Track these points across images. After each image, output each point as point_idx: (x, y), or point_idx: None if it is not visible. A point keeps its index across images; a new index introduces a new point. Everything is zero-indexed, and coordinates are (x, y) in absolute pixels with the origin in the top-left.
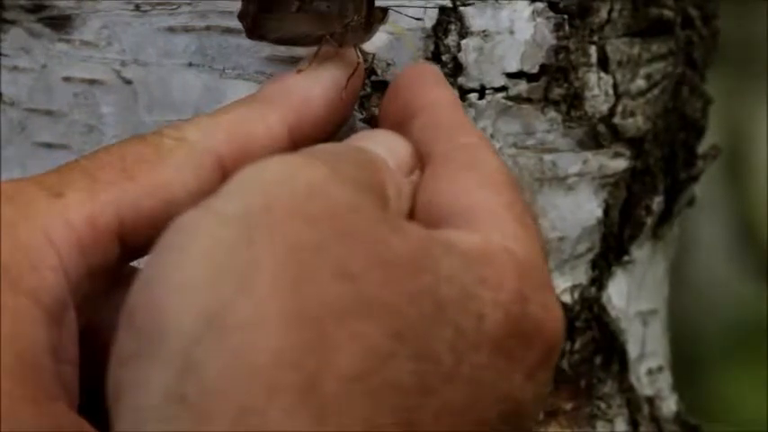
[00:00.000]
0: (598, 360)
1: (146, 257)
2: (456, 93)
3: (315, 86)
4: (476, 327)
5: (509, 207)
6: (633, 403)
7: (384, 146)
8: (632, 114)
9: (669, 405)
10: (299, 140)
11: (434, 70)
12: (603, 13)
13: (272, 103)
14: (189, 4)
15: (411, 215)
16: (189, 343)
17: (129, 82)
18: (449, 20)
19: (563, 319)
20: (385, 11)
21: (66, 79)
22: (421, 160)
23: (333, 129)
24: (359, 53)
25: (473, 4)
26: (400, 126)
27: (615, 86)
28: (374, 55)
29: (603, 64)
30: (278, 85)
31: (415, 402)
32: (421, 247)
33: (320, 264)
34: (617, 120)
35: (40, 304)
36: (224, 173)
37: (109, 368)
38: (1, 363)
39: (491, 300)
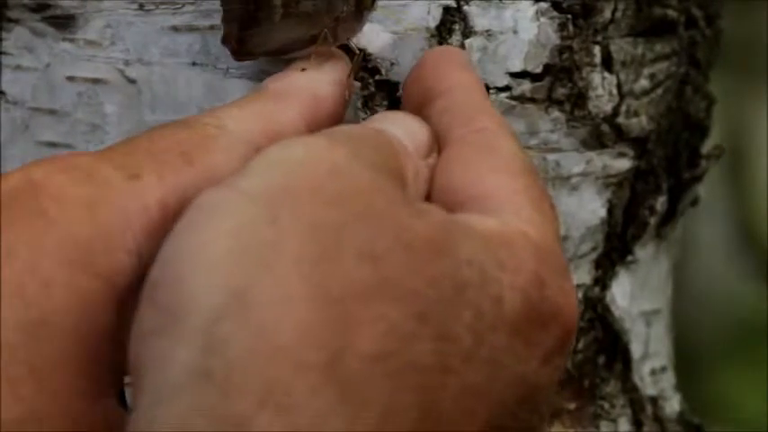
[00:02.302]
0: (601, 360)
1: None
2: (478, 76)
3: (322, 84)
4: (494, 309)
5: (525, 192)
6: (636, 403)
7: (402, 128)
8: (636, 114)
9: (672, 405)
10: None
11: (460, 52)
12: (607, 13)
13: (288, 99)
14: (192, 3)
15: (427, 198)
16: (213, 319)
17: (132, 81)
18: (453, 19)
19: (578, 304)
20: None
21: (70, 78)
22: (438, 143)
23: (337, 125)
24: (355, 47)
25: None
26: (421, 107)
27: (619, 86)
28: (364, 51)
29: (607, 64)
30: (287, 82)
31: (435, 383)
32: (442, 230)
33: (343, 244)
34: (621, 120)
35: (114, 288)
36: None
37: (130, 343)
38: (63, 353)
39: (509, 283)
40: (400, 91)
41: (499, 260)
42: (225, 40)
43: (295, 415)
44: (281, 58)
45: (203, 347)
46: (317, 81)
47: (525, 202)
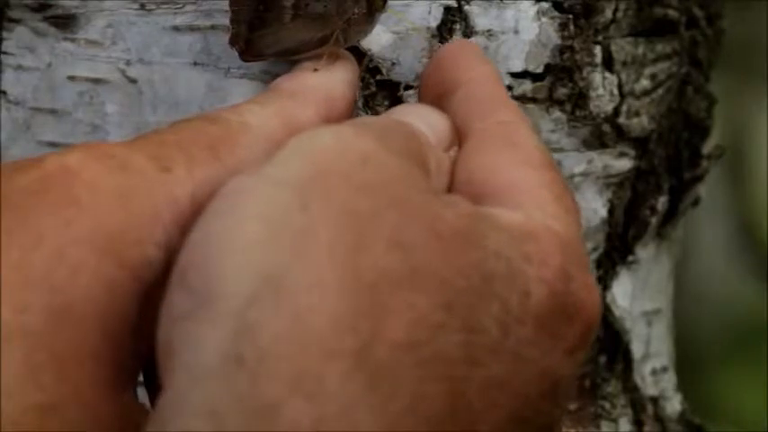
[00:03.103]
0: (602, 360)
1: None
2: (497, 69)
3: (335, 85)
4: (521, 302)
5: (549, 186)
6: (637, 403)
7: (424, 120)
8: (637, 114)
9: (673, 405)
10: None
11: (475, 46)
12: (608, 13)
13: (304, 98)
14: (194, 3)
15: (449, 190)
16: (245, 304)
17: (133, 81)
18: (453, 19)
19: (600, 297)
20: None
21: (71, 78)
22: (459, 136)
23: None
24: (362, 48)
25: None
26: (440, 99)
27: (620, 86)
28: (371, 53)
29: (608, 64)
30: (301, 82)
31: (461, 373)
32: (471, 221)
33: (375, 232)
34: (622, 119)
35: (141, 280)
36: None
37: (159, 326)
38: (86, 342)
39: (536, 276)
40: (401, 91)
41: (526, 253)
42: (233, 41)
43: (325, 402)
44: (290, 59)
45: (235, 332)
46: (331, 81)
47: (549, 196)
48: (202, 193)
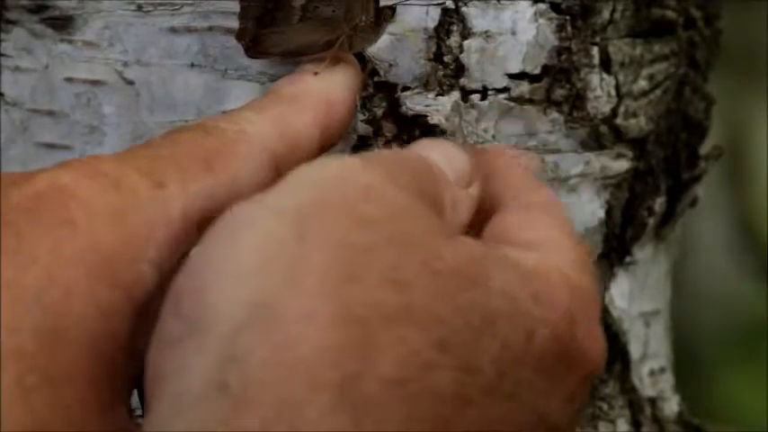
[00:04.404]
0: None
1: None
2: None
3: (335, 89)
4: (523, 343)
5: (573, 246)
6: (635, 404)
7: (443, 156)
8: (634, 115)
9: (671, 406)
10: (325, 142)
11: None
12: (606, 14)
13: (303, 103)
14: (191, 4)
15: (471, 228)
16: (234, 331)
17: (131, 83)
18: (451, 21)
19: (606, 350)
20: (393, 9)
21: (69, 80)
22: (493, 203)
23: (346, 131)
24: (367, 54)
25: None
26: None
27: (617, 87)
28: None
29: (606, 65)
30: (301, 86)
31: (452, 412)
32: (474, 260)
33: (370, 266)
34: (619, 121)
35: (132, 299)
36: (277, 168)
37: (149, 352)
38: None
39: (542, 318)
40: (398, 92)
41: (534, 293)
42: (239, 37)
43: None
44: (294, 60)
45: (222, 359)
46: (331, 85)
47: (570, 247)
48: (196, 207)
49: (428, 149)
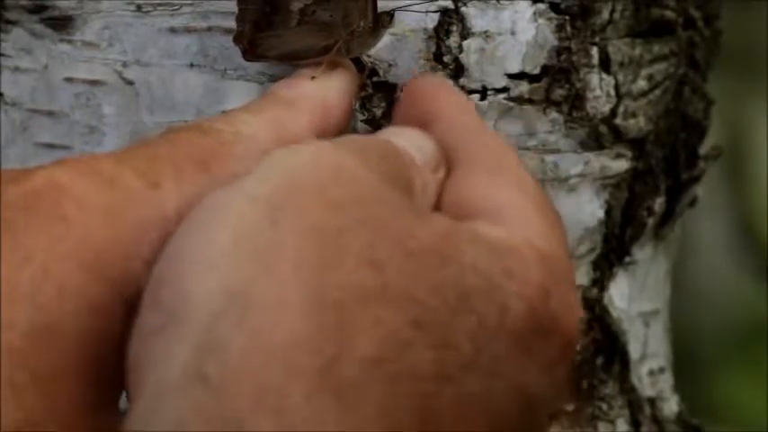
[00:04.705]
0: (599, 361)
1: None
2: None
3: (332, 94)
4: (498, 318)
5: (536, 208)
6: (635, 404)
7: (411, 142)
8: (634, 115)
9: (671, 406)
10: None
11: (445, 80)
12: (605, 14)
13: (299, 106)
14: (190, 4)
15: (436, 211)
16: (211, 320)
17: (130, 83)
18: (450, 21)
19: (581, 317)
20: (391, 14)
21: (68, 80)
22: (445, 161)
23: (342, 135)
24: (365, 59)
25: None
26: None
27: (617, 87)
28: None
29: (605, 65)
30: (298, 90)
31: (432, 390)
32: (446, 237)
33: (344, 249)
34: (618, 121)
35: (126, 297)
36: None
37: (130, 342)
38: (67, 361)
39: (515, 292)
40: (399, 92)
41: (506, 268)
42: (237, 40)
43: (289, 418)
44: (292, 64)
45: (200, 348)
46: (328, 90)
47: (535, 215)
48: (189, 207)
49: (397, 135)
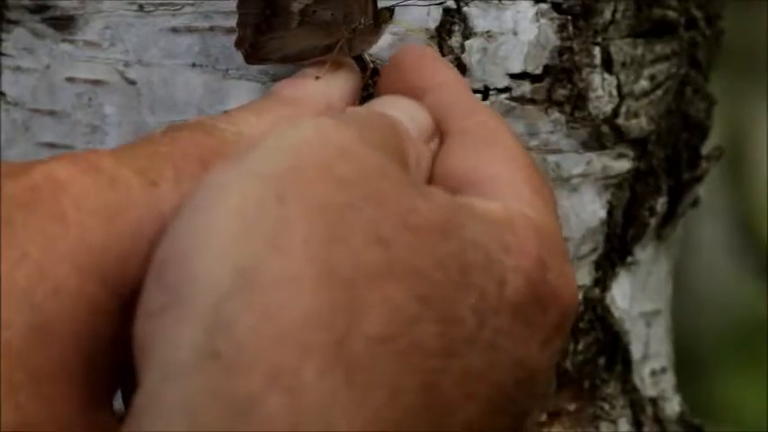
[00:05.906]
0: (601, 361)
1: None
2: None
3: (336, 93)
4: (497, 292)
5: (528, 179)
6: (636, 404)
7: (405, 113)
8: (636, 115)
9: (672, 406)
10: None
11: (435, 51)
12: (607, 14)
13: (303, 107)
14: (192, 4)
15: (429, 183)
16: (219, 298)
17: (132, 82)
18: (452, 21)
19: (577, 287)
20: (391, 10)
21: (70, 80)
22: (438, 132)
23: None
24: (367, 57)
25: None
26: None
27: (619, 87)
28: (376, 64)
29: (607, 65)
30: (301, 90)
31: (438, 365)
32: (448, 212)
33: (351, 225)
34: (620, 121)
35: (120, 297)
36: None
37: (136, 322)
38: (63, 361)
39: (513, 266)
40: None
41: (504, 242)
42: (238, 44)
43: (302, 396)
44: (295, 65)
45: (210, 327)
46: (331, 90)
47: (527, 187)
48: None
49: (390, 106)
